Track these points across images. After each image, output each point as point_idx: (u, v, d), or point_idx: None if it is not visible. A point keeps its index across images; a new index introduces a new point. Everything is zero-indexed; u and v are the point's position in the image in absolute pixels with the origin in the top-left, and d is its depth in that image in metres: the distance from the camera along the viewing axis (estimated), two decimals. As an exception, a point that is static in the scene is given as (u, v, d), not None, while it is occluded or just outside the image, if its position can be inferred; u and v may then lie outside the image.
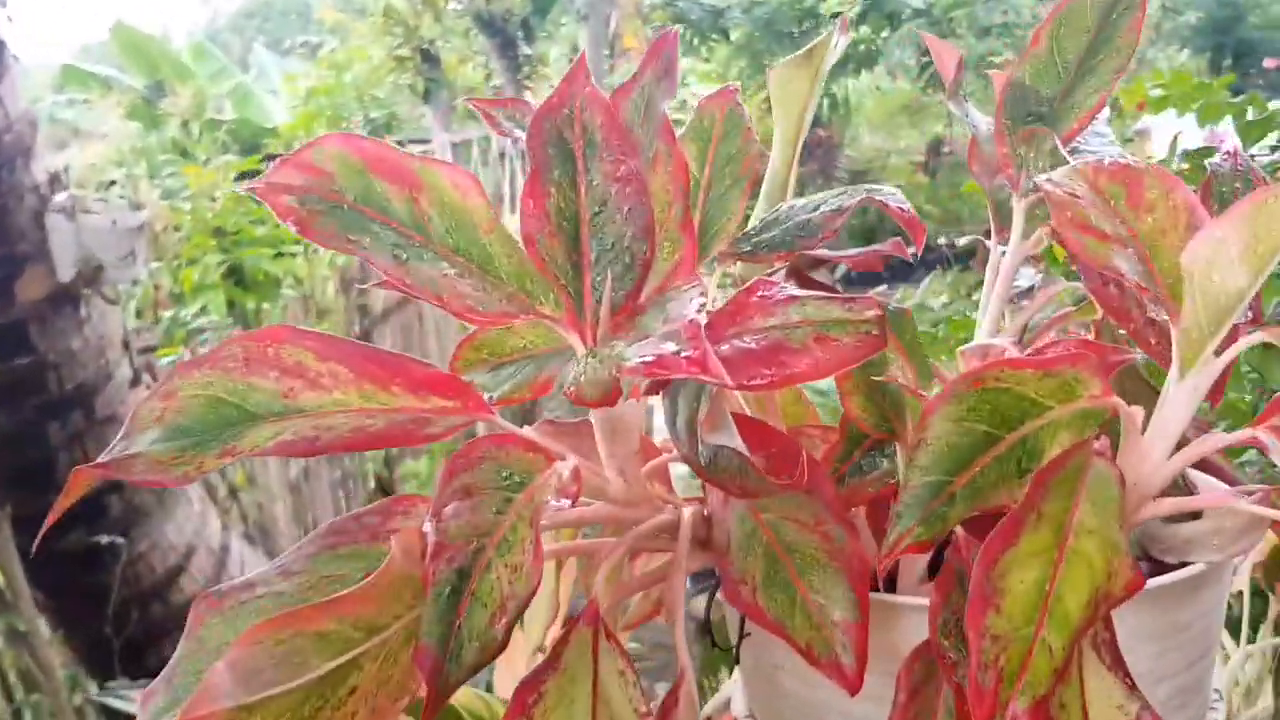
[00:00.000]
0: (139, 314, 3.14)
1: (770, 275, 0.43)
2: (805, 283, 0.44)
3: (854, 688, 0.36)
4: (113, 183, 4.09)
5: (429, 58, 7.21)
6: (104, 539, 1.93)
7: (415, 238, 0.36)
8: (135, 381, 2.09)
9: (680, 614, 0.38)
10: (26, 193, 1.87)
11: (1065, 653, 0.30)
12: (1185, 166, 0.94)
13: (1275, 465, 0.35)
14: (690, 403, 0.37)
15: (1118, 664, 0.33)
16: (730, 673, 0.60)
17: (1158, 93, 1.28)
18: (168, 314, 3.18)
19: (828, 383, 0.38)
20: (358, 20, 7.90)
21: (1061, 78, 0.49)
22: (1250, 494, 0.37)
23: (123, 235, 2.10)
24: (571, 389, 0.32)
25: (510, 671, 0.54)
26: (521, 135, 0.43)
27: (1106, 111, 0.52)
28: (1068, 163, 0.40)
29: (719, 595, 0.41)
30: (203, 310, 3.26)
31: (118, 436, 0.36)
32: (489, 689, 0.64)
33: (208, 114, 6.70)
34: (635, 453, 0.39)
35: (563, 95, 0.38)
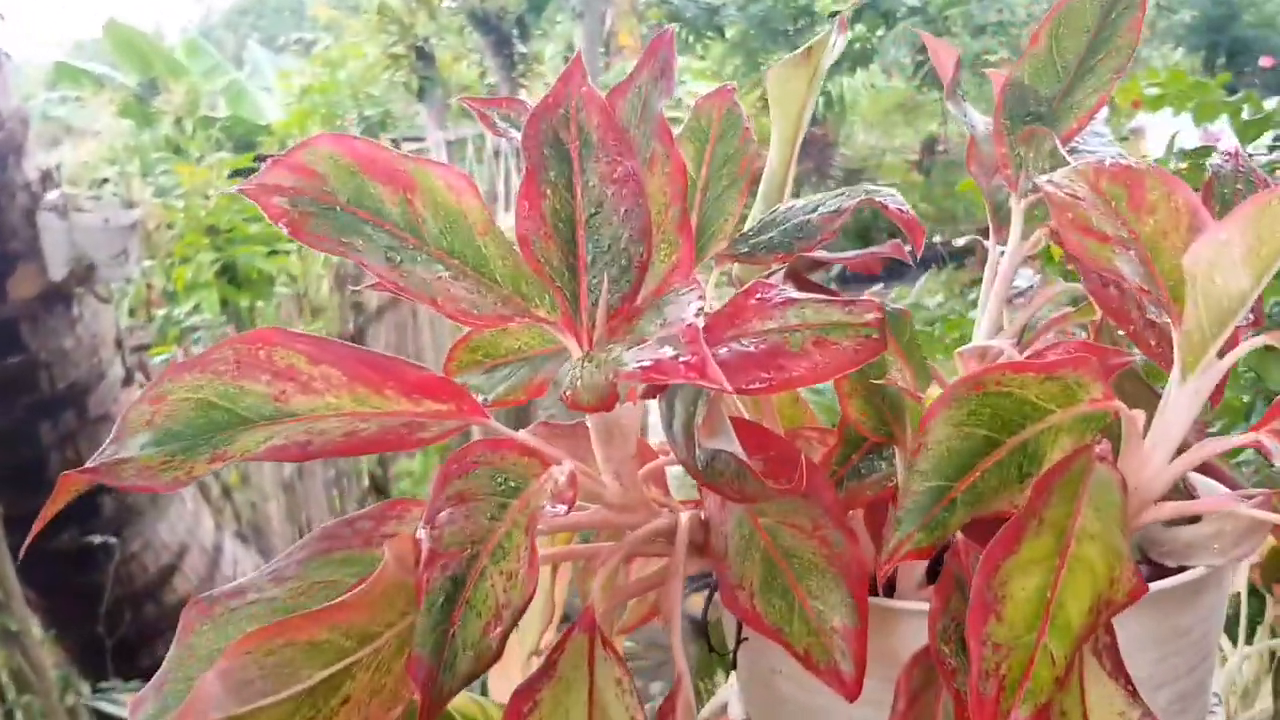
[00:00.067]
0: (132, 312, 3.12)
1: (768, 277, 0.43)
2: (804, 285, 0.44)
3: (853, 694, 0.35)
4: (105, 180, 4.07)
5: (424, 55, 7.20)
6: (97, 538, 1.92)
7: (409, 240, 0.35)
8: (128, 380, 2.08)
9: (677, 620, 0.38)
10: (18, 190, 1.86)
11: (1067, 660, 0.30)
12: (1183, 166, 0.94)
13: (1272, 467, 0.35)
14: (687, 406, 0.36)
15: (1119, 670, 0.33)
16: (726, 675, 0.59)
17: (1154, 91, 1.28)
18: (161, 312, 3.17)
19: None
20: (352, 17, 7.89)
21: (1061, 77, 0.49)
22: (1251, 498, 0.37)
23: (115, 233, 2.09)
24: (567, 393, 0.32)
25: (505, 675, 0.54)
26: (517, 135, 0.43)
27: (1105, 111, 0.51)
28: (1068, 163, 0.40)
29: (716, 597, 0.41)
30: (196, 309, 3.25)
31: (107, 440, 0.35)
32: (484, 692, 0.64)
33: (201, 111, 6.68)
34: (632, 456, 0.39)
35: (559, 95, 0.37)
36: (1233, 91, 1.34)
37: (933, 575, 0.41)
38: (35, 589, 1.94)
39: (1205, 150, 0.93)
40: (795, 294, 0.35)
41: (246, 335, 0.36)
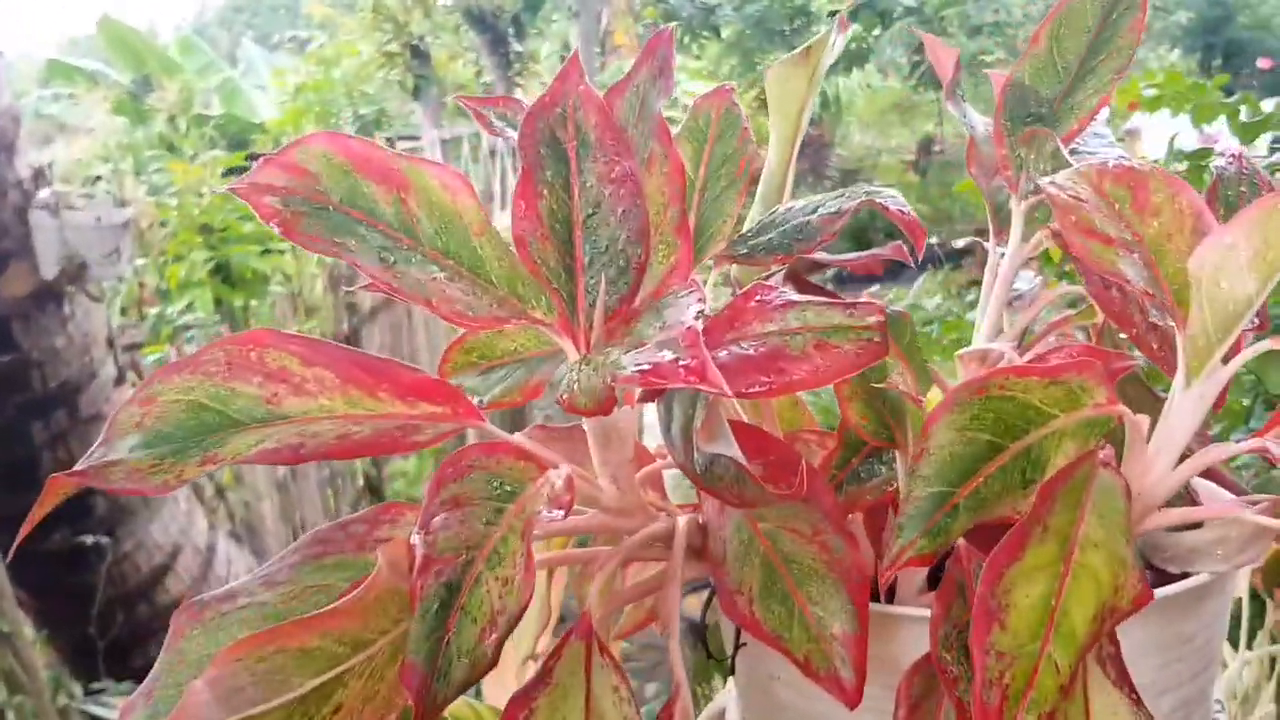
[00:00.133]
0: (124, 311, 3.11)
1: (767, 279, 0.42)
2: (803, 287, 0.43)
3: (853, 702, 0.35)
4: (98, 178, 4.06)
5: (419, 54, 7.18)
6: (89, 539, 1.91)
7: (403, 240, 0.35)
8: (120, 379, 2.07)
9: (675, 626, 0.37)
10: (9, 189, 1.85)
11: (1071, 669, 0.30)
12: (1182, 168, 0.94)
13: (1273, 471, 0.34)
14: (686, 409, 0.36)
15: (1123, 679, 0.32)
16: (724, 680, 0.59)
17: (1151, 93, 1.28)
18: (154, 311, 3.16)
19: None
20: (347, 15, 7.87)
21: (1061, 78, 0.48)
22: (1255, 504, 0.36)
23: (107, 232, 2.08)
24: (564, 396, 0.31)
25: (500, 680, 0.54)
26: (513, 134, 0.42)
27: (1105, 112, 0.51)
28: (1069, 164, 0.39)
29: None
30: (189, 307, 3.24)
31: (96, 442, 0.35)
32: (478, 696, 0.63)
33: (195, 109, 6.66)
34: (629, 460, 0.38)
35: (555, 94, 0.37)
36: (1229, 93, 1.33)
37: (933, 581, 0.41)
38: (27, 589, 1.93)
39: (1205, 152, 0.93)
40: (795, 296, 0.34)
41: (238, 336, 0.35)
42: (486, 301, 0.35)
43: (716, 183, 0.45)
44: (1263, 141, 1.16)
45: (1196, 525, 0.38)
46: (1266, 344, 0.35)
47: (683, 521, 0.40)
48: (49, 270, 1.89)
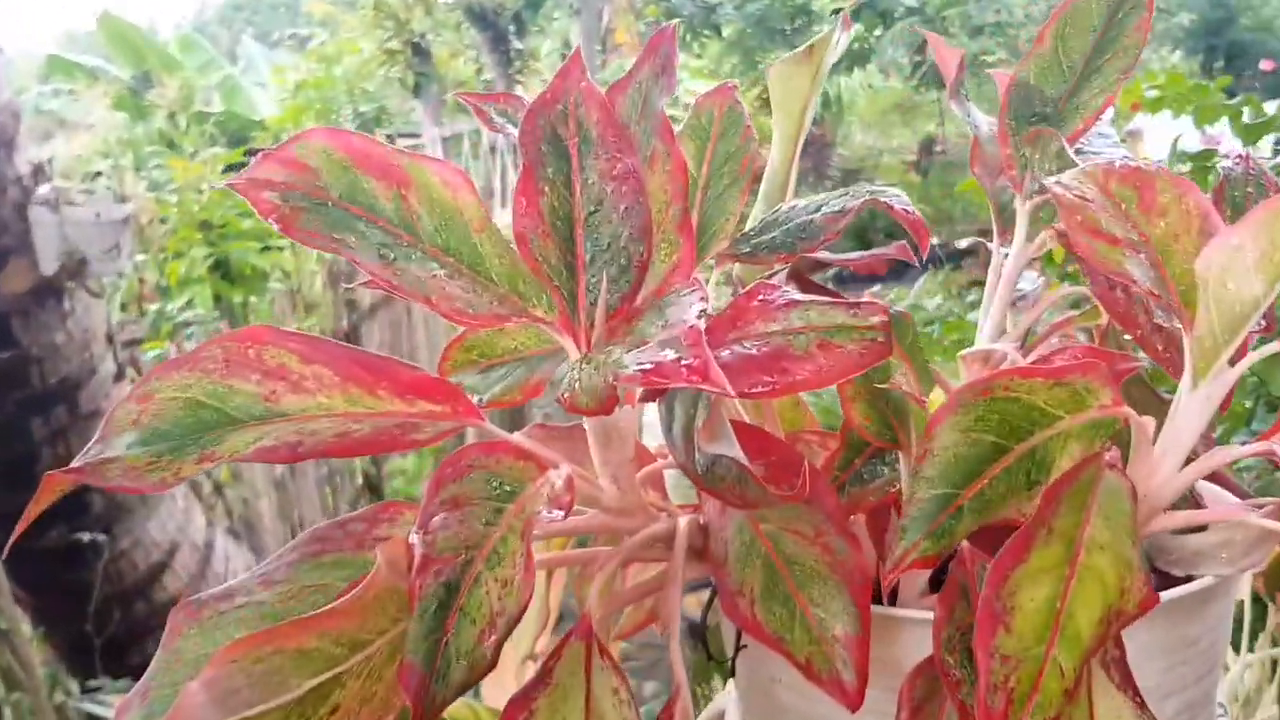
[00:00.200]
0: (124, 307, 3.11)
1: (769, 278, 0.42)
2: (806, 286, 0.43)
3: (855, 705, 0.34)
4: (98, 174, 4.06)
5: (419, 51, 7.18)
6: (86, 536, 1.90)
7: (403, 237, 0.34)
8: (120, 376, 2.07)
9: (676, 627, 0.37)
10: (9, 184, 1.85)
11: (1076, 673, 0.29)
12: (1186, 169, 0.93)
13: (1275, 474, 0.34)
14: (687, 409, 0.35)
15: (1127, 682, 0.32)
16: (724, 681, 0.59)
17: (1153, 94, 1.27)
18: (153, 307, 3.15)
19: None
20: (347, 13, 7.86)
21: (1067, 78, 0.48)
22: (1260, 507, 0.36)
23: (107, 228, 2.07)
24: (565, 396, 0.31)
25: (499, 680, 0.53)
26: (514, 131, 0.42)
27: (1110, 112, 0.51)
28: (1075, 164, 0.39)
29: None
30: (189, 304, 3.23)
31: (93, 439, 0.35)
32: (476, 695, 0.63)
33: (195, 106, 6.65)
34: (630, 459, 0.38)
35: (557, 90, 0.36)
36: (1231, 95, 1.33)
37: (935, 583, 0.40)
38: (24, 586, 1.92)
39: (1209, 153, 0.93)
40: (799, 295, 0.34)
41: (236, 333, 0.35)
42: (487, 299, 0.35)
43: (719, 181, 0.45)
44: (1266, 143, 1.16)
45: (1200, 528, 0.38)
46: (1274, 346, 0.34)
47: (684, 522, 0.39)
48: (49, 266, 1.88)
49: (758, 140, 0.45)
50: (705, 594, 0.44)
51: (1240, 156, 0.42)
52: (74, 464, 0.34)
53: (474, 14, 7.10)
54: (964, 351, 0.46)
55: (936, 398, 0.42)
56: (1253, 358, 0.34)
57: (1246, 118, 1.20)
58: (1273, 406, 0.95)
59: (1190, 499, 0.39)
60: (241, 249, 3.42)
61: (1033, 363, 0.40)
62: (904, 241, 0.44)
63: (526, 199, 0.35)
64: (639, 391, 0.36)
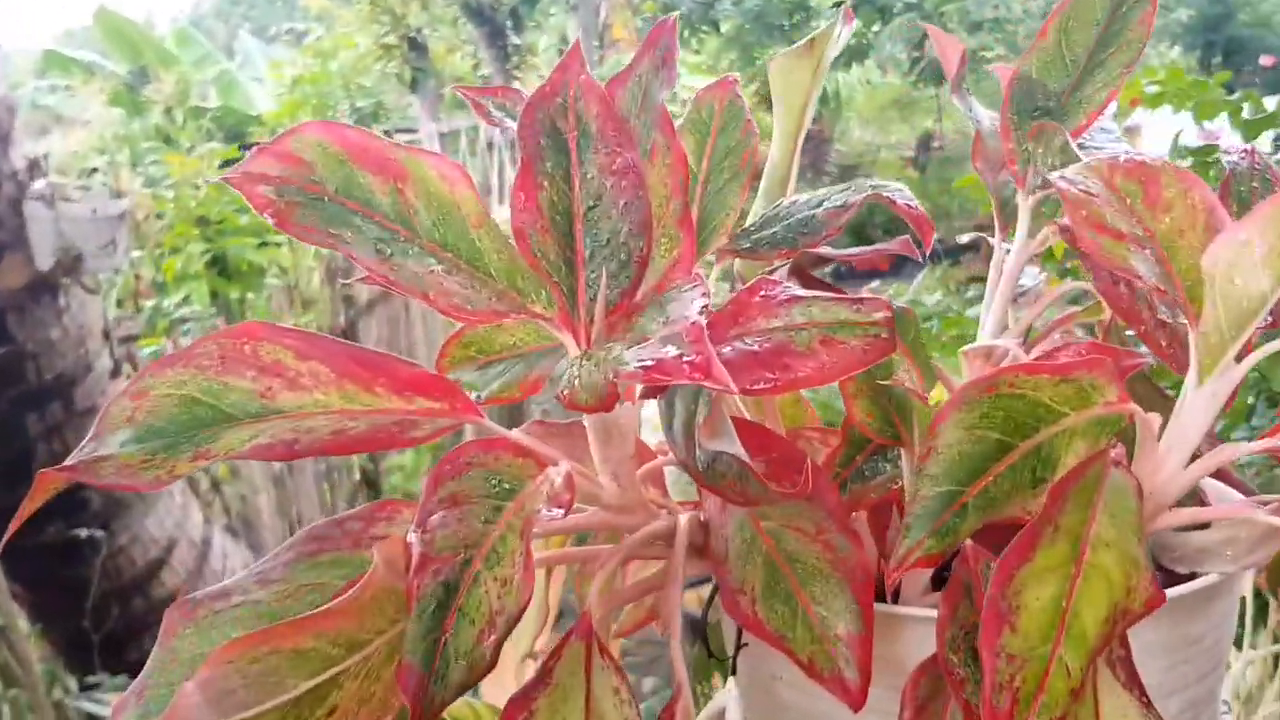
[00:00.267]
0: (120, 303, 3.10)
1: (770, 274, 0.42)
2: (808, 282, 0.42)
3: (858, 704, 0.34)
4: (95, 170, 4.04)
5: (416, 46, 7.16)
6: (83, 532, 1.90)
7: (400, 232, 0.34)
8: (116, 372, 2.06)
9: (677, 625, 0.37)
10: (4, 180, 1.84)
11: (1083, 672, 0.29)
12: (1187, 164, 0.93)
13: (1276, 470, 0.34)
14: (688, 406, 0.35)
15: (1133, 681, 0.32)
16: (724, 679, 0.58)
17: (1153, 89, 1.27)
18: (150, 303, 3.14)
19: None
20: (344, 7, 7.84)
21: (1070, 71, 0.48)
22: (1266, 504, 0.36)
23: (103, 223, 2.07)
24: (565, 393, 0.31)
25: (498, 678, 0.53)
26: (512, 125, 0.41)
27: (1113, 107, 0.50)
28: (1079, 159, 0.39)
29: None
30: (185, 300, 3.22)
31: (87, 436, 0.34)
32: (475, 693, 0.63)
33: (192, 101, 6.63)
34: (630, 456, 0.37)
35: (556, 84, 0.36)
36: (1230, 91, 1.33)
37: (937, 581, 0.40)
38: (21, 583, 1.92)
39: (1210, 149, 0.92)
40: (801, 291, 0.34)
41: (232, 329, 0.34)
42: (485, 295, 0.34)
43: (719, 175, 0.44)
44: (1266, 138, 1.15)
45: (1202, 525, 0.38)
46: (1279, 343, 0.34)
47: (684, 519, 0.39)
48: (44, 262, 1.88)
49: (759, 134, 0.45)
50: (704, 590, 0.44)
51: (1246, 151, 0.41)
52: (68, 462, 0.33)
53: (471, 9, 7.09)
54: (966, 347, 0.45)
55: (937, 394, 0.42)
56: (1259, 354, 0.34)
57: (1246, 113, 1.20)
58: (1273, 402, 0.95)
59: (1194, 496, 0.39)
60: (238, 245, 3.41)
61: (1037, 359, 0.40)
62: (907, 236, 0.43)
63: (525, 193, 0.35)
64: (639, 388, 0.35)
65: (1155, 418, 0.34)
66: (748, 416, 0.43)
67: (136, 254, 3.15)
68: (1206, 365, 0.33)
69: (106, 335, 2.07)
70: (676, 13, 0.40)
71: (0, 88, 1.94)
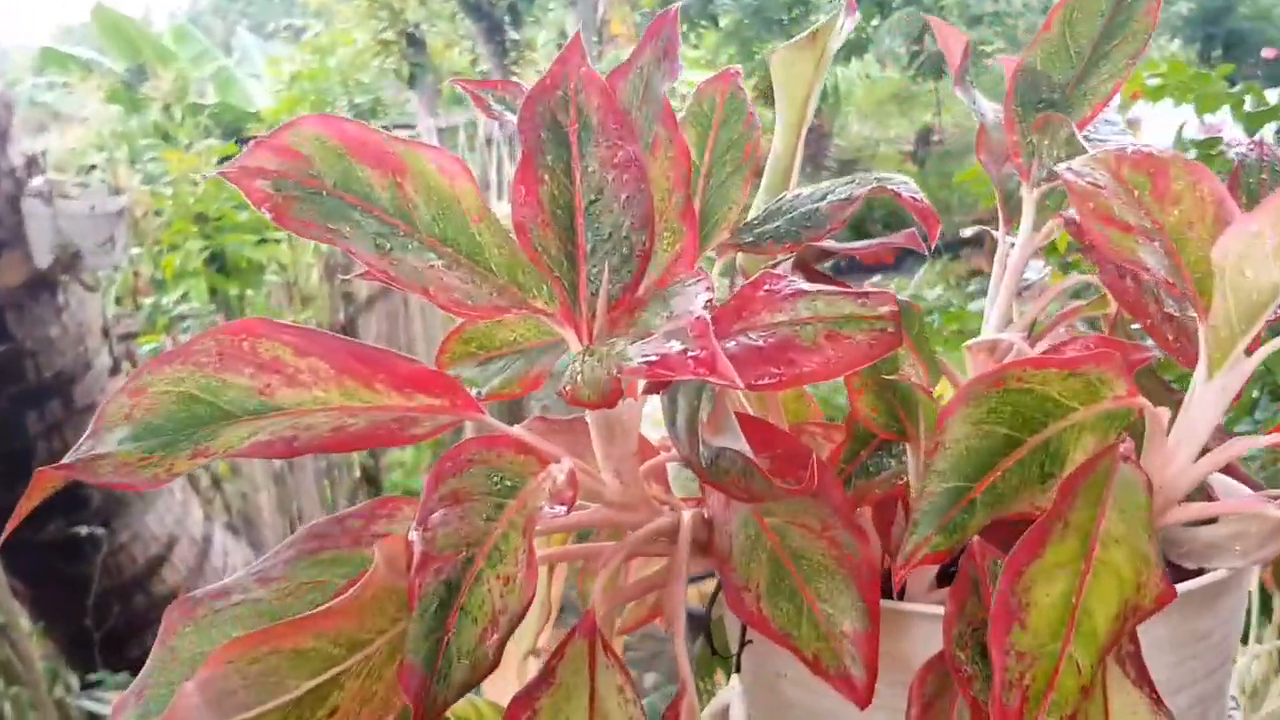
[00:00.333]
0: (119, 301, 3.09)
1: (773, 268, 0.41)
2: (812, 276, 0.42)
3: (864, 701, 0.34)
4: (93, 167, 4.03)
5: (414, 42, 7.14)
6: (84, 530, 1.90)
7: (399, 226, 0.34)
8: (115, 369, 2.06)
9: (681, 623, 0.36)
10: (2, 177, 1.84)
11: (1093, 669, 0.29)
12: (1191, 156, 0.93)
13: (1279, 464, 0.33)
14: (691, 402, 0.35)
15: (1143, 678, 0.32)
16: (727, 676, 0.58)
17: (1155, 82, 1.26)
18: (149, 301, 3.14)
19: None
20: (342, 3, 7.82)
21: (1074, 63, 0.47)
22: (1275, 498, 0.35)
23: (101, 221, 2.06)
24: (567, 388, 0.30)
25: (500, 675, 0.53)
26: (512, 119, 0.41)
27: (1117, 99, 0.50)
28: (1084, 151, 0.38)
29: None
30: (184, 297, 3.22)
31: (85, 434, 0.34)
32: (478, 690, 0.62)
33: (190, 98, 6.62)
34: (633, 453, 0.37)
35: (556, 76, 0.36)
36: (1231, 84, 1.32)
37: (943, 576, 0.40)
38: (22, 580, 1.92)
39: (1214, 141, 0.92)
40: (806, 285, 0.33)
41: (230, 326, 0.34)
42: (486, 290, 0.34)
43: (721, 169, 0.44)
44: (1268, 131, 1.15)
45: (1210, 520, 0.38)
46: (1291, 335, 0.34)
47: (687, 516, 0.39)
48: (43, 259, 1.87)
49: (761, 127, 0.45)
50: (707, 586, 0.43)
51: (1255, 143, 0.41)
52: (65, 460, 0.33)
53: (469, 4, 7.07)
54: (970, 342, 0.45)
55: (941, 389, 0.42)
56: (1269, 347, 0.33)
57: (1248, 106, 1.19)
58: (1276, 395, 0.95)
59: (1202, 491, 0.39)
60: (237, 242, 3.40)
61: (1045, 353, 0.40)
62: (913, 230, 0.43)
63: (526, 187, 0.34)
64: (641, 384, 0.35)
65: (1164, 412, 0.34)
66: (750, 412, 0.43)
67: (135, 251, 3.15)
68: (1216, 359, 0.33)
69: (105, 333, 2.07)
70: (678, 3, 0.39)
71: (-3, 85, 1.93)
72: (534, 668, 0.41)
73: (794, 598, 0.35)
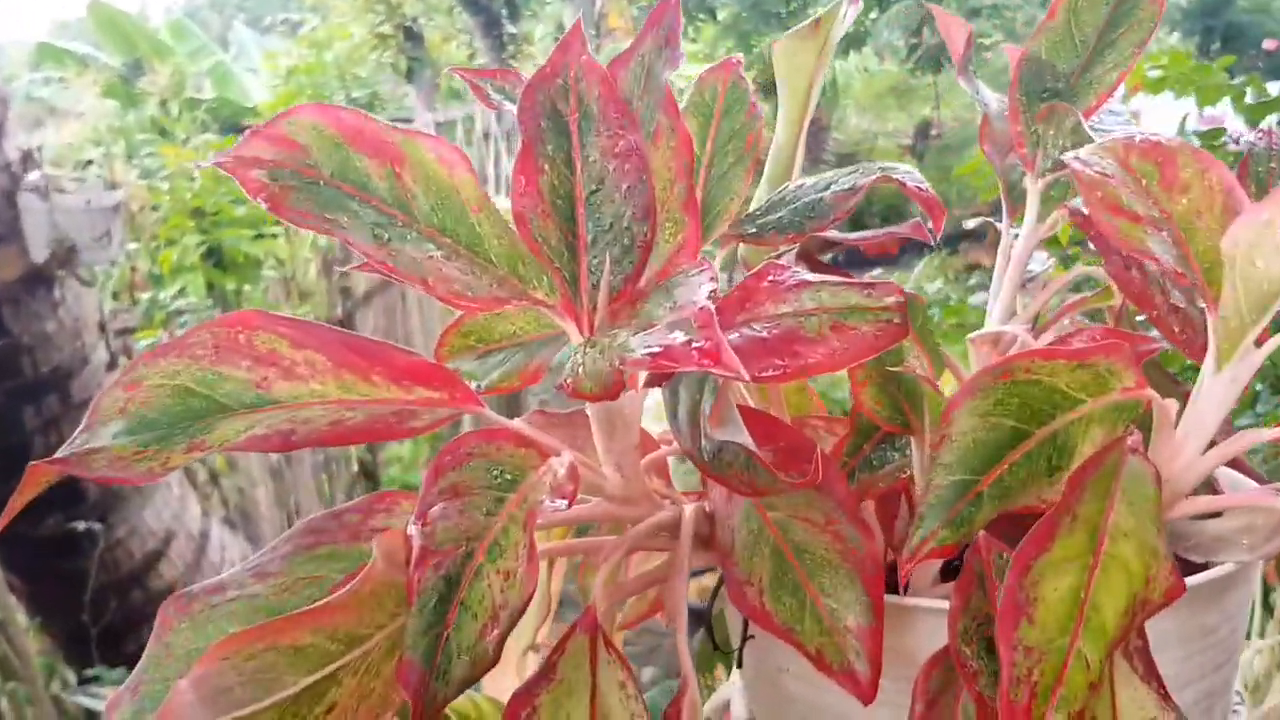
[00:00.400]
0: (116, 296, 3.08)
1: (778, 259, 0.41)
2: (815, 267, 0.42)
3: (868, 697, 0.33)
4: (89, 162, 4.02)
5: (412, 35, 7.13)
6: (81, 525, 1.89)
7: (398, 216, 0.33)
8: (112, 365, 2.05)
9: (683, 618, 0.36)
10: (-2, 171, 1.83)
11: (1102, 665, 0.28)
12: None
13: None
14: (693, 394, 0.34)
15: (1151, 673, 0.31)
16: (728, 671, 0.58)
17: (1156, 74, 1.26)
18: (146, 296, 3.13)
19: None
20: (339, -3, 7.79)
21: (1079, 52, 0.47)
22: (1283, 491, 0.35)
23: (98, 215, 2.05)
24: (568, 381, 0.30)
25: (498, 669, 0.52)
26: (511, 108, 0.41)
27: (1121, 90, 0.49)
28: (1091, 140, 0.38)
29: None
30: (181, 292, 3.21)
31: (79, 428, 0.33)
32: (476, 685, 0.62)
33: (186, 93, 6.59)
34: (634, 446, 0.37)
35: (556, 64, 0.35)
36: (1230, 76, 1.32)
37: (946, 570, 0.39)
38: (19, 576, 1.91)
39: (1217, 132, 0.91)
40: (810, 276, 0.33)
41: (226, 318, 0.34)
42: (485, 281, 0.33)
43: (723, 159, 0.43)
44: (1268, 123, 1.14)
45: (1215, 514, 0.37)
46: (1300, 326, 0.33)
47: (689, 510, 0.38)
48: (39, 254, 1.86)
49: (763, 117, 0.44)
50: (705, 581, 0.43)
51: (1264, 131, 0.41)
52: (59, 454, 0.33)
53: (466, -2, 7.05)
54: (974, 334, 0.45)
55: (943, 383, 0.41)
56: (1278, 339, 0.33)
57: (1249, 98, 1.19)
58: (1276, 389, 0.94)
59: (1209, 484, 0.38)
60: (234, 236, 3.39)
61: (1052, 344, 0.39)
62: (918, 219, 0.43)
63: (525, 177, 0.34)
64: (642, 377, 0.34)
65: (1172, 404, 0.33)
66: (751, 405, 0.42)
67: (132, 246, 3.14)
68: (1225, 350, 0.32)
69: (102, 328, 2.06)
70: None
71: (-7, 79, 1.92)
72: (533, 663, 0.40)
73: (797, 592, 0.35)
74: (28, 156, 1.93)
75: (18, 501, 0.33)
